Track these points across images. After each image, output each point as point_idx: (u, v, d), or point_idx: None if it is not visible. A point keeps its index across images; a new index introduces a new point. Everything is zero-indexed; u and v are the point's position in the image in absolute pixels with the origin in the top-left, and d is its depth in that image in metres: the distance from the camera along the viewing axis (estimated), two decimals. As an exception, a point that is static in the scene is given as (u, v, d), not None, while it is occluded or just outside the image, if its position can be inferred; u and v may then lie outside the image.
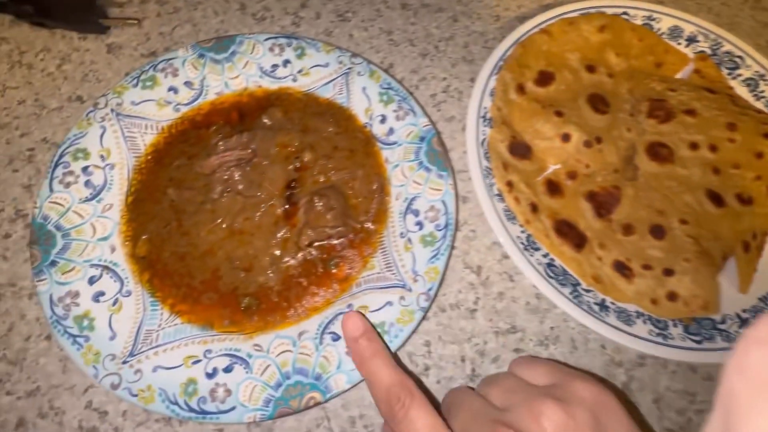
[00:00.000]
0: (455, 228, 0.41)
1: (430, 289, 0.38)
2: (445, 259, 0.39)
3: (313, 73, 0.47)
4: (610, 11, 0.54)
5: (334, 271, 0.41)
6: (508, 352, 0.40)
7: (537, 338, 0.41)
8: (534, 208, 0.44)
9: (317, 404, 0.35)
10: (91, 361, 0.35)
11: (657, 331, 0.40)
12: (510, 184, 0.44)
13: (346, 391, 0.36)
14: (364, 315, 0.36)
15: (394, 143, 0.45)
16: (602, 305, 0.41)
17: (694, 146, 0.46)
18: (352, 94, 0.47)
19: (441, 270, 0.39)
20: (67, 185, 0.40)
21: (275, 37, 0.47)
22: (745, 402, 0.14)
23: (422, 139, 0.44)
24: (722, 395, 0.15)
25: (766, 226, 0.43)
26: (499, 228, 0.42)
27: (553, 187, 0.45)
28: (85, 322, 0.36)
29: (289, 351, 0.37)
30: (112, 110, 0.43)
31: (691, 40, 0.53)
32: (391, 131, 0.45)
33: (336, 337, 0.37)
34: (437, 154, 0.43)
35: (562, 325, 0.42)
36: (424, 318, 0.39)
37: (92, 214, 0.40)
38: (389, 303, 0.38)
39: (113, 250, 0.40)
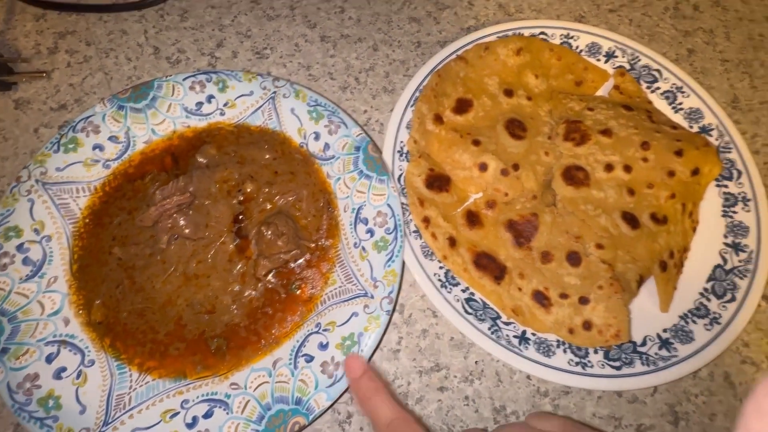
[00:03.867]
0: (404, 228, 0.42)
1: (391, 292, 0.39)
2: (401, 260, 0.41)
3: (239, 103, 0.47)
4: (527, 32, 0.53)
5: (297, 293, 0.42)
6: (432, 391, 0.41)
7: (461, 374, 0.41)
8: (452, 242, 0.43)
9: (303, 428, 0.36)
10: (65, 440, 0.34)
11: (576, 359, 0.40)
12: (427, 220, 0.43)
13: (329, 408, 0.36)
14: (361, 357, 0.37)
15: (332, 157, 0.46)
16: (522, 337, 0.41)
17: (609, 168, 0.45)
18: (282, 117, 0.47)
19: (398, 272, 0.40)
20: (3, 267, 0.39)
21: (194, 75, 0.47)
22: None
23: (358, 148, 0.45)
24: None
25: (682, 244, 0.44)
26: (415, 266, 0.42)
27: (473, 219, 0.44)
28: (51, 403, 0.35)
29: (266, 382, 0.37)
30: (37, 181, 0.42)
31: (610, 55, 0.53)
32: (327, 146, 0.46)
33: (310, 358, 0.38)
34: (374, 160, 0.44)
35: (486, 358, 0.42)
36: (390, 321, 0.40)
37: (37, 292, 0.39)
38: (354, 314, 0.39)
39: (67, 322, 0.39)
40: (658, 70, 0.53)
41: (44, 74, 0.51)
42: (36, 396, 0.35)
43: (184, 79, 0.47)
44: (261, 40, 0.55)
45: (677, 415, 0.41)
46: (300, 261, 0.42)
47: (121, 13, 0.55)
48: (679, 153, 0.45)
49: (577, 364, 0.40)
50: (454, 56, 0.52)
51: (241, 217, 0.44)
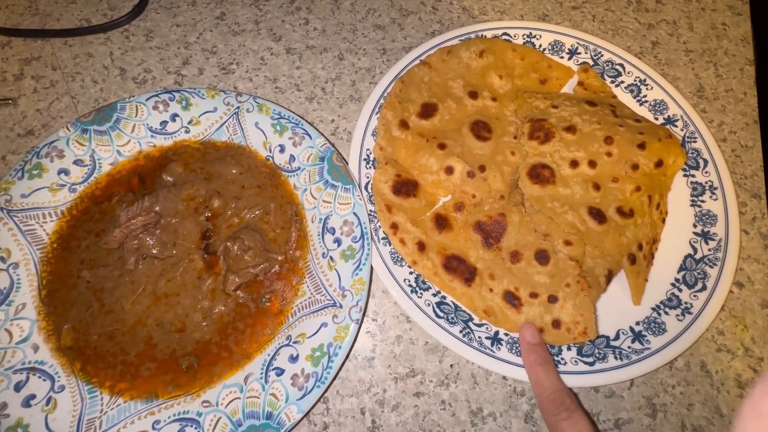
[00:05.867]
0: (371, 236, 0.42)
1: (359, 301, 0.39)
2: (368, 268, 0.41)
3: (203, 120, 0.47)
4: (489, 34, 0.54)
5: (267, 306, 0.42)
6: (408, 397, 0.40)
7: (437, 379, 0.41)
8: (422, 246, 0.43)
9: (274, 442, 0.35)
10: (34, 469, 0.34)
11: None
12: (395, 226, 0.43)
13: (300, 421, 0.36)
14: (537, 329, 0.40)
15: (298, 169, 0.46)
16: (495, 338, 0.41)
17: (574, 164, 0.45)
18: (246, 131, 0.47)
19: (366, 280, 0.40)
20: (-30, 297, 0.39)
21: (156, 95, 0.47)
22: None
23: (322, 158, 0.45)
24: None
25: (651, 236, 0.44)
26: (384, 273, 0.42)
27: (442, 222, 0.44)
28: (19, 431, 0.35)
29: (238, 398, 0.37)
30: (1, 209, 0.42)
31: (573, 52, 0.54)
32: (292, 158, 0.46)
33: (280, 372, 0.38)
34: (339, 169, 0.44)
35: (461, 361, 0.42)
36: (359, 330, 0.40)
37: (4, 320, 0.39)
38: (324, 324, 0.39)
39: (36, 349, 0.39)
40: (621, 65, 0.53)
41: (10, 101, 0.51)
42: (4, 426, 0.35)
43: (147, 99, 0.47)
44: (227, 56, 0.56)
45: (655, 408, 0.41)
46: (269, 274, 0.42)
47: (86, 36, 0.56)
48: (641, 146, 0.46)
49: None
50: (417, 61, 0.52)
51: (209, 233, 0.44)
